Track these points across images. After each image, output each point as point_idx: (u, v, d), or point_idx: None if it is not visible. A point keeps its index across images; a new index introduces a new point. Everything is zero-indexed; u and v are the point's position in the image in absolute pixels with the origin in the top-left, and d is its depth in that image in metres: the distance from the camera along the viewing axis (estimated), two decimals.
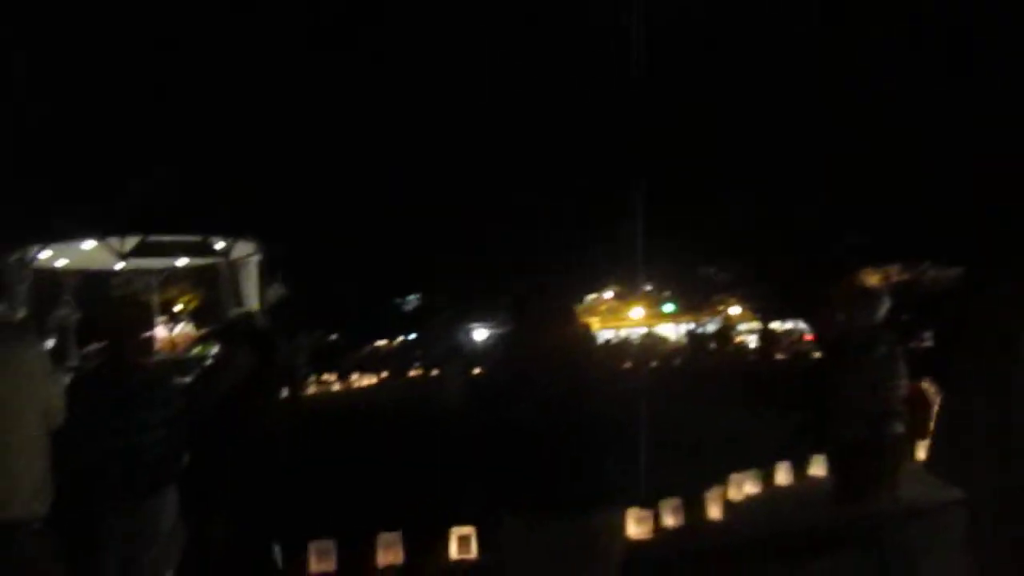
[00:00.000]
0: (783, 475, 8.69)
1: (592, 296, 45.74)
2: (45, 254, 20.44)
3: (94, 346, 20.03)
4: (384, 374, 26.02)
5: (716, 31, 25.57)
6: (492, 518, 3.90)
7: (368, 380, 24.54)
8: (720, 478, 8.11)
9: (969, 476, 3.60)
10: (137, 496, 4.70)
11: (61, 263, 21.30)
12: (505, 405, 3.61)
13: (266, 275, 22.26)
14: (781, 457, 8.82)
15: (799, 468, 8.78)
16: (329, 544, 6.35)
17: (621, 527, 3.72)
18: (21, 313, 20.17)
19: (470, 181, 27.79)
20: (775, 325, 37.50)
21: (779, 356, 28.37)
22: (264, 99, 25.82)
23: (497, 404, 3.65)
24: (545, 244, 27.49)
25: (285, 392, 18.32)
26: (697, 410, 12.90)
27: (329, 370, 24.38)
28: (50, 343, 21.88)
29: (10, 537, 2.87)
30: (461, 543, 6.45)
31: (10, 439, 2.95)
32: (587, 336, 4.23)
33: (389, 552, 6.42)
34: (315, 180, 26.97)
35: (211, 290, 24.47)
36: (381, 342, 35.87)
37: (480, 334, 36.95)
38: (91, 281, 21.82)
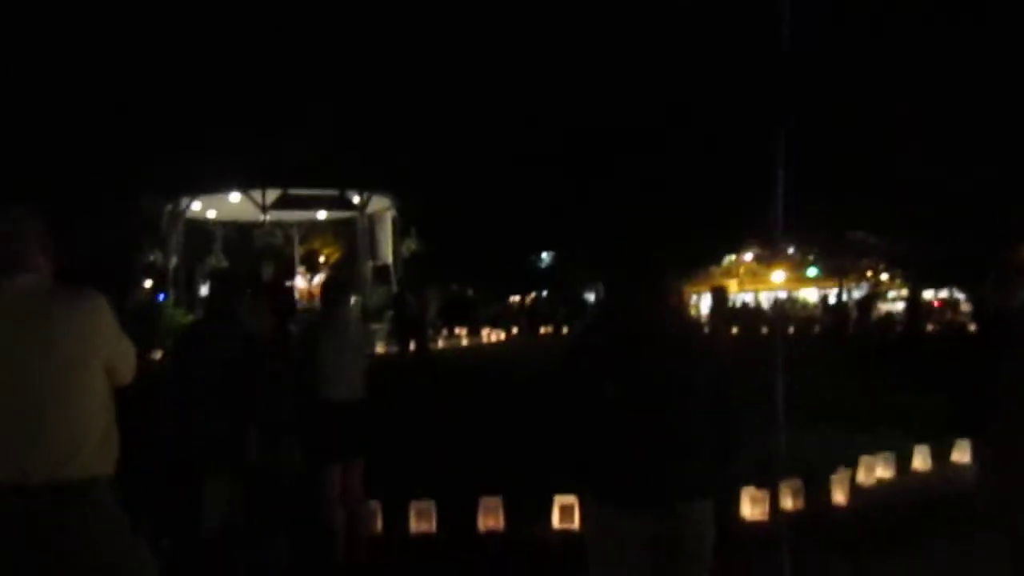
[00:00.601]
0: (921, 459, 7.97)
1: (731, 257, 44.28)
2: (196, 205, 21.55)
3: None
4: (515, 330, 25.99)
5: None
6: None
7: (498, 335, 24.48)
8: (850, 459, 7.50)
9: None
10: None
11: (211, 214, 22.47)
12: (586, 380, 3.27)
13: (401, 229, 22.93)
14: (920, 439, 8.08)
15: (939, 453, 8.02)
16: (429, 505, 6.25)
17: (711, 519, 3.34)
18: (173, 261, 21.43)
19: (609, 139, 27.13)
20: (927, 294, 35.15)
21: (929, 327, 26.52)
22: (401, 50, 25.82)
23: (579, 378, 3.31)
24: (681, 202, 26.52)
25: (413, 344, 18.14)
26: (833, 383, 12.15)
27: (461, 324, 24.44)
28: (202, 290, 23.52)
29: (72, 496, 2.80)
30: (563, 512, 6.22)
31: (74, 397, 2.90)
32: (681, 310, 3.81)
33: (490, 517, 6.27)
34: (453, 134, 26.89)
35: (349, 243, 25.11)
36: (514, 298, 35.97)
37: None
38: (237, 232, 22.80)
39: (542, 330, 25.93)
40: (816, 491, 6.80)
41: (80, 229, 20.51)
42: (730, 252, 42.76)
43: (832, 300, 37.57)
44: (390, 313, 20.61)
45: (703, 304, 33.78)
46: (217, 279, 5.53)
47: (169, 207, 20.99)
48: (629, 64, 26.23)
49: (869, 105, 24.32)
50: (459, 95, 26.30)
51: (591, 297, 32.88)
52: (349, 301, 5.63)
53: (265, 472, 4.36)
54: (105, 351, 2.98)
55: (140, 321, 16.38)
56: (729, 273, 43.14)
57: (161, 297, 20.97)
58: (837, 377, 13.06)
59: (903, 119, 24.03)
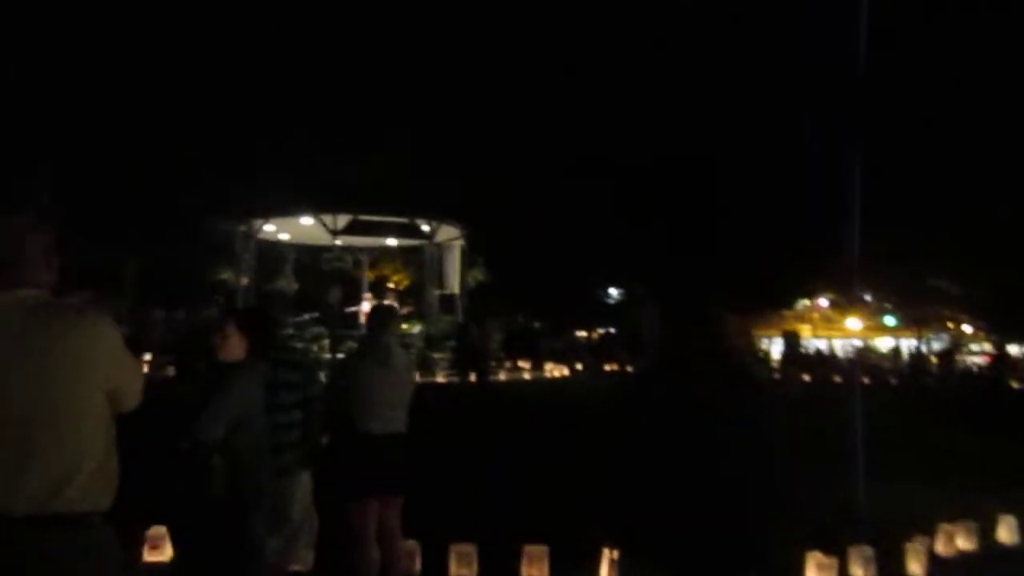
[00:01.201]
0: (1006, 531, 7.26)
1: (805, 302, 42.94)
2: (269, 227, 21.66)
3: (306, 316, 21.06)
4: (579, 366, 25.45)
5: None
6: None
7: (561, 370, 24.00)
8: (927, 525, 6.87)
9: None
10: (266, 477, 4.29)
11: (283, 236, 22.51)
12: (632, 425, 3.01)
13: (468, 259, 22.73)
14: (1005, 504, 7.39)
15: None
16: (471, 549, 5.89)
17: None
18: (244, 280, 21.63)
19: (677, 174, 26.60)
20: (1012, 349, 33.42)
21: (1014, 384, 25.09)
22: (477, 81, 25.86)
23: (627, 422, 3.05)
24: (754, 243, 25.70)
25: (474, 375, 17.79)
26: (910, 440, 11.41)
27: (524, 356, 24.01)
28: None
29: (59, 532, 2.56)
30: (612, 567, 5.77)
31: (68, 423, 2.65)
32: (743, 354, 3.41)
33: (534, 566, 5.87)
34: (524, 166, 26.78)
35: (417, 270, 24.98)
36: (580, 333, 35.42)
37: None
38: (308, 254, 22.90)
39: (607, 367, 25.44)
40: (889, 560, 6.20)
41: (159, 247, 20.95)
42: (804, 296, 41.43)
43: (905, 350, 35.91)
44: (453, 343, 20.36)
45: (775, 348, 32.65)
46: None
47: (243, 228, 21.11)
48: (699, 97, 25.63)
49: (953, 146, 23.20)
50: (533, 126, 26.15)
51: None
52: (395, 329, 5.23)
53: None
54: (105, 375, 2.74)
55: (207, 335, 17.09)
56: (802, 318, 41.76)
57: None
58: (915, 431, 12.23)
59: (990, 162, 22.88)
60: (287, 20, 23.51)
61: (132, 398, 2.87)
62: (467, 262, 22.46)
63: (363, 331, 19.13)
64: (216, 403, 3.82)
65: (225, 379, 3.92)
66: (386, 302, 21.85)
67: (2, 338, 2.65)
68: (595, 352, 28.13)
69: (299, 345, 15.32)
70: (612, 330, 34.90)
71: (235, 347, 4.13)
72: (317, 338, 19.89)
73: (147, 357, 19.99)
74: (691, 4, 26.02)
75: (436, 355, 20.45)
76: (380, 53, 25.20)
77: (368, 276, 24.20)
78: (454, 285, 22.31)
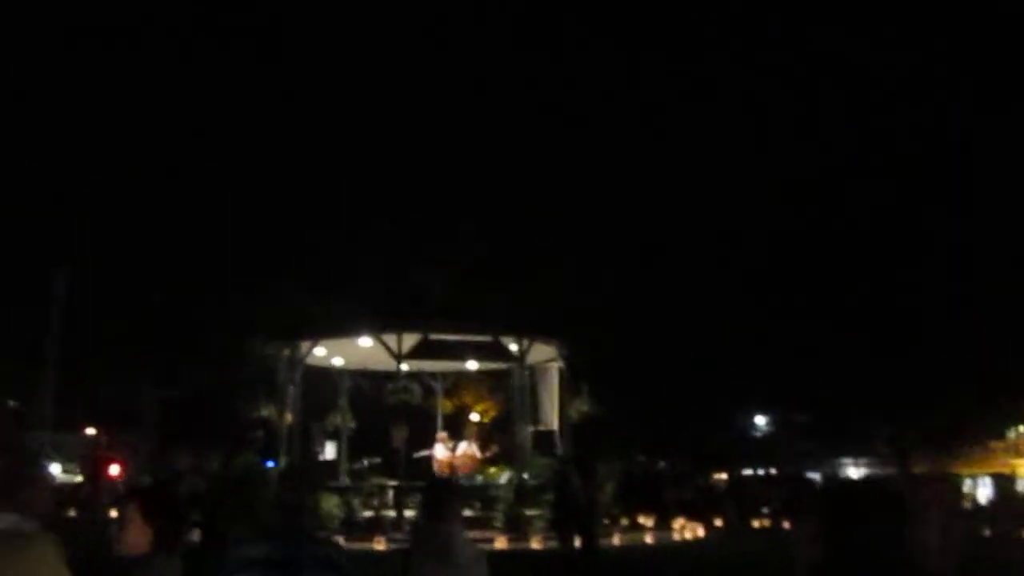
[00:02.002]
0: None
1: (1019, 428, 35.28)
2: (320, 351, 19.28)
3: (365, 462, 16.92)
4: (718, 521, 21.21)
5: None
6: None
7: (694, 529, 20.04)
8: None
9: None
10: None
11: (336, 362, 20.06)
12: None
13: (569, 385, 19.73)
14: None
15: None
16: None
17: None
18: (288, 417, 18.20)
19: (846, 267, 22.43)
20: None
21: None
22: (573, 173, 23.06)
23: None
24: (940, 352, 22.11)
25: (578, 539, 14.13)
26: None
27: (645, 511, 20.17)
28: (329, 450, 19.90)
29: None
30: None
31: None
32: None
33: None
34: (636, 263, 23.21)
35: (504, 401, 22.16)
36: (719, 476, 29.13)
37: (856, 470, 28.97)
38: (368, 384, 20.15)
39: (755, 523, 21.18)
40: None
41: (182, 373, 18.16)
42: (1018, 422, 33.73)
43: None
44: (551, 495, 16.60)
45: (980, 491, 27.44)
46: None
47: (287, 352, 18.51)
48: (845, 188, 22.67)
49: None
50: (647, 220, 22.32)
51: (817, 477, 25.92)
52: (457, 513, 4.61)
53: None
54: None
55: (241, 488, 14.31)
56: (1018, 450, 33.80)
57: (270, 464, 17.89)
58: None
59: None
60: (331, 103, 21.71)
61: None
62: (568, 389, 19.08)
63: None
64: None
65: None
66: (470, 443, 18.49)
67: None
68: (738, 501, 23.16)
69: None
70: (761, 471, 28.60)
71: (138, 537, 3.65)
72: (378, 492, 17.04)
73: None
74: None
75: (530, 512, 17.14)
76: (448, 145, 22.77)
77: (444, 407, 21.25)
78: (552, 419, 19.13)
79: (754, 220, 24.71)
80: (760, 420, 32.21)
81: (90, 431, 25.25)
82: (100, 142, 20.60)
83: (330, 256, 19.78)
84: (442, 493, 4.68)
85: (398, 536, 15.29)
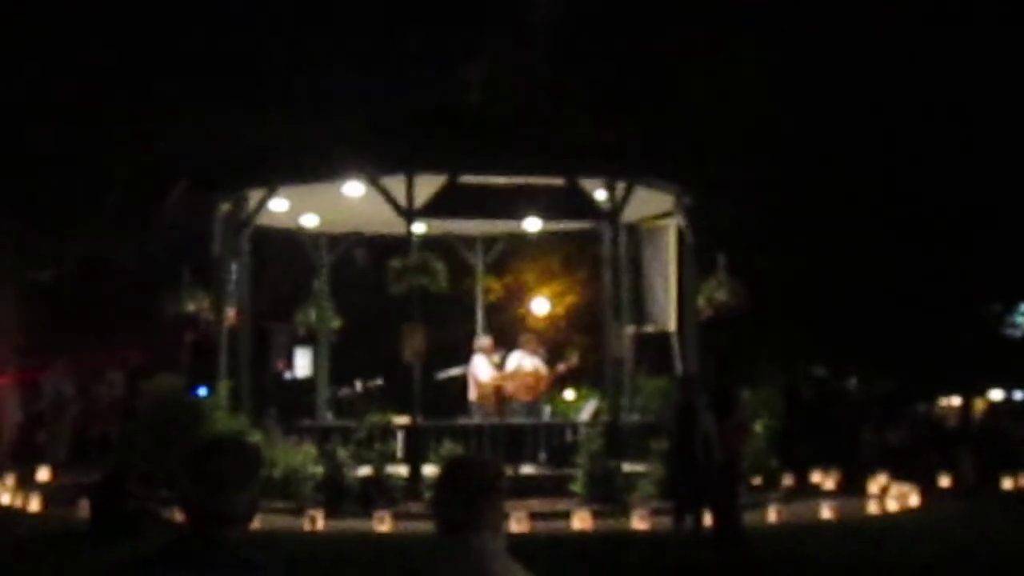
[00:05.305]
0: None
1: None
2: (278, 204, 13.27)
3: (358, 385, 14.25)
4: (944, 480, 14.47)
5: None
6: None
7: (904, 496, 13.50)
8: None
9: None
10: None
11: (306, 221, 14.08)
12: None
13: (697, 259, 13.46)
14: None
15: None
16: None
17: None
18: (230, 312, 14.41)
19: None
20: None
21: None
22: None
23: None
24: None
25: (708, 514, 11.08)
26: None
27: (824, 462, 14.47)
28: (300, 365, 17.21)
29: None
30: None
31: None
32: None
33: None
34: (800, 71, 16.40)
35: (586, 283, 17.04)
36: (951, 401, 21.56)
37: None
38: (363, 256, 16.14)
39: (1008, 482, 14.36)
40: None
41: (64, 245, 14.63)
42: None
43: None
44: (665, 443, 12.19)
45: None
46: None
47: (227, 206, 13.30)
48: None
49: None
50: None
51: None
52: (497, 515, 2.74)
53: None
54: None
55: (153, 432, 11.36)
56: None
57: (201, 391, 13.59)
58: None
59: None
60: None
61: None
62: (694, 265, 13.71)
63: (474, 418, 12.78)
64: None
65: None
66: (529, 354, 14.00)
67: None
68: (985, 447, 15.96)
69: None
70: (1020, 395, 21.03)
71: None
72: (380, 436, 12.11)
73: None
74: None
75: (629, 469, 12.59)
76: None
77: (487, 295, 15.87)
78: (667, 314, 14.13)
79: None
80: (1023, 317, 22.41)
81: None
82: None
83: (298, 55, 14.90)
84: (471, 478, 2.82)
85: (412, 510, 11.22)
